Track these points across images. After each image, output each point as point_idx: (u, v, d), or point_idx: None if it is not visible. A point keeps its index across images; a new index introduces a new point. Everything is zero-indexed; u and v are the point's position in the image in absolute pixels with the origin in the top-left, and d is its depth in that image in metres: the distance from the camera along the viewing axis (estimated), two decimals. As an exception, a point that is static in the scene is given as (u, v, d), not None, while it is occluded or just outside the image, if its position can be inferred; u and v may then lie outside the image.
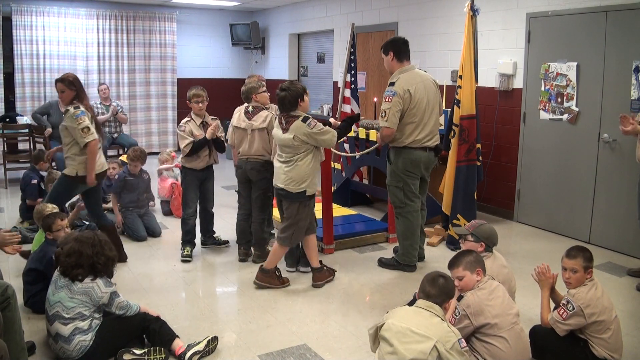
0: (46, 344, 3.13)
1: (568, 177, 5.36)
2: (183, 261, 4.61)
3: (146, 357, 2.93)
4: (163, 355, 2.97)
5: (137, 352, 2.94)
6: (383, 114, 4.10)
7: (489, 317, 2.69)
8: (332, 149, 4.91)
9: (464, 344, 2.42)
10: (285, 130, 3.79)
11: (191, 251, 4.69)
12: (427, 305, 2.50)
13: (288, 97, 3.78)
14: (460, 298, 2.79)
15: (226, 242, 5.01)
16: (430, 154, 4.33)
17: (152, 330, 3.05)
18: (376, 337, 2.57)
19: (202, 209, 4.86)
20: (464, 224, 4.90)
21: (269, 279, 4.05)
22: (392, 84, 4.14)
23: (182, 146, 4.52)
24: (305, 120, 3.76)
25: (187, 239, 4.71)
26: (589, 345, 2.78)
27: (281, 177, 3.87)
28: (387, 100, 4.10)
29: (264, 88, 4.59)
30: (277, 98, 3.87)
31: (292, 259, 4.41)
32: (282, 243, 4.01)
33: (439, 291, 2.52)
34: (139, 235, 5.18)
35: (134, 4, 9.62)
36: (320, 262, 4.16)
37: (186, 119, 4.65)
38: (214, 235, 5.01)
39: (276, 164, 3.95)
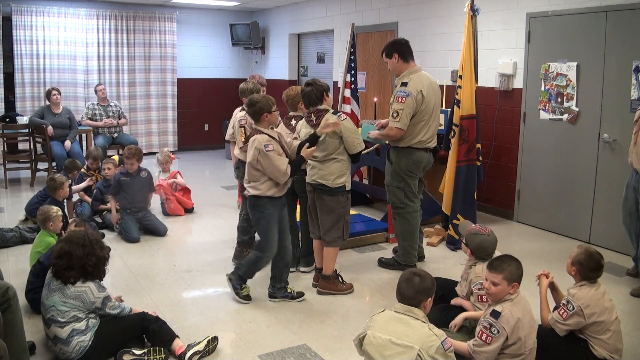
0: (46, 344, 3.13)
1: (568, 177, 5.36)
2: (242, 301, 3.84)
3: (146, 358, 2.93)
4: (163, 356, 2.97)
5: (137, 352, 2.94)
6: (395, 114, 4.05)
7: (521, 338, 2.62)
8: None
9: (448, 344, 2.35)
10: (316, 126, 3.78)
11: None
12: (405, 310, 2.42)
13: (314, 92, 3.81)
14: (495, 314, 2.62)
15: (301, 294, 3.90)
16: (430, 155, 4.35)
17: (152, 331, 3.05)
18: (361, 348, 2.50)
19: (281, 247, 3.80)
20: (463, 222, 4.90)
21: (332, 286, 3.97)
22: (405, 84, 4.11)
23: (283, 168, 3.53)
24: (335, 113, 3.80)
25: (249, 277, 3.84)
26: (589, 346, 2.79)
27: (319, 173, 3.83)
28: (400, 100, 4.05)
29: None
30: (302, 95, 3.90)
31: (293, 259, 4.41)
32: (335, 244, 3.92)
33: (414, 292, 2.42)
34: (130, 236, 5.12)
35: (134, 4, 9.62)
36: (339, 275, 4.07)
37: (266, 137, 3.58)
38: (286, 287, 3.88)
39: (311, 163, 3.89)
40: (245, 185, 3.71)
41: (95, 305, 2.91)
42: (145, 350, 2.97)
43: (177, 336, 3.09)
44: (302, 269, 4.40)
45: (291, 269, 4.38)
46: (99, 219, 5.58)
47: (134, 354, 2.93)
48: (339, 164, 3.82)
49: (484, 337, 2.60)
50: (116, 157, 6.30)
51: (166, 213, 6.03)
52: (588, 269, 2.84)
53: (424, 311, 2.44)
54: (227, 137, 4.89)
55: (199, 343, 3.06)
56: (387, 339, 2.35)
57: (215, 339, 3.14)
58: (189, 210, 6.18)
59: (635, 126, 4.08)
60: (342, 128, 3.76)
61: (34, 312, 3.49)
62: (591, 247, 2.97)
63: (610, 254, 4.87)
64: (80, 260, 2.84)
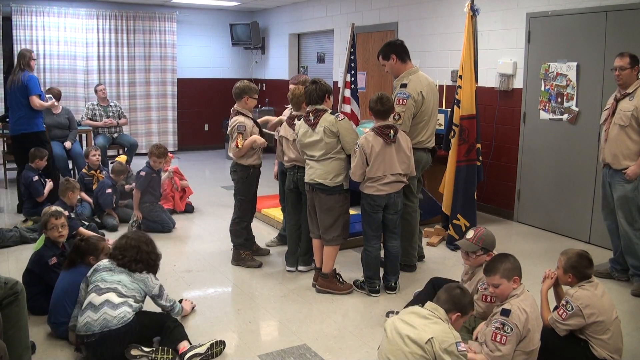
0: (46, 344, 3.14)
1: (568, 177, 5.36)
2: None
3: (154, 356, 2.95)
4: (170, 356, 2.98)
5: (146, 349, 2.97)
6: (397, 117, 4.04)
7: (531, 331, 2.64)
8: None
9: (462, 347, 2.38)
10: (314, 125, 3.81)
11: None
12: (431, 307, 2.50)
13: (316, 91, 3.86)
14: (505, 312, 2.64)
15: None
16: (428, 155, 4.35)
17: (167, 327, 3.10)
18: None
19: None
20: (465, 225, 4.90)
21: (330, 284, 3.98)
22: (405, 85, 4.11)
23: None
24: (333, 113, 3.85)
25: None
26: (589, 346, 2.78)
27: (317, 172, 3.85)
28: (401, 102, 4.05)
29: (257, 94, 4.43)
30: (304, 91, 3.94)
31: (293, 258, 4.41)
32: (335, 243, 3.93)
33: (447, 297, 2.52)
34: (169, 226, 5.46)
35: (134, 4, 9.61)
36: (338, 273, 4.07)
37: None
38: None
39: (309, 163, 3.92)
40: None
41: (153, 292, 3.16)
42: (154, 348, 2.99)
43: (187, 339, 3.10)
44: (301, 268, 4.40)
45: (291, 269, 4.40)
46: (97, 220, 5.58)
47: (142, 350, 2.96)
48: (336, 163, 3.83)
49: (498, 338, 2.59)
50: (124, 157, 6.33)
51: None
52: (583, 268, 2.86)
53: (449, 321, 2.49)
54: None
55: (202, 345, 3.06)
56: (406, 321, 2.45)
57: (220, 343, 3.11)
58: (189, 210, 6.18)
59: (605, 125, 4.15)
60: (340, 128, 3.78)
61: (34, 314, 3.47)
62: (573, 248, 3.00)
63: (610, 254, 4.85)
64: (147, 255, 3.18)
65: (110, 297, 2.99)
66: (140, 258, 3.15)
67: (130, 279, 3.10)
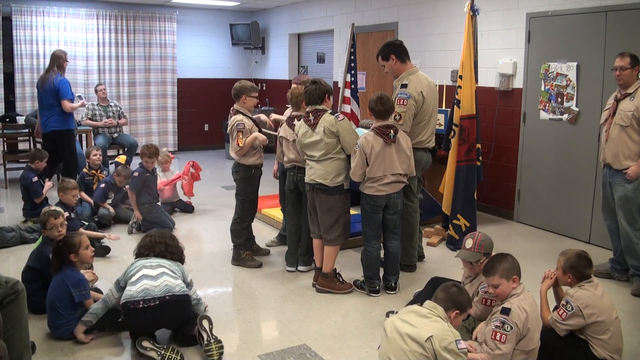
0: (46, 344, 3.15)
1: (568, 177, 5.36)
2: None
3: (162, 352, 2.97)
4: (178, 357, 2.99)
5: (157, 344, 3.01)
6: (398, 117, 4.03)
7: (530, 330, 2.64)
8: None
9: (462, 345, 2.39)
10: (314, 125, 3.82)
11: None
12: (430, 306, 2.52)
13: (316, 91, 3.87)
14: (505, 311, 2.64)
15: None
16: (429, 155, 4.36)
17: (191, 316, 3.18)
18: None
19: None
20: (465, 225, 4.90)
21: (330, 284, 3.98)
22: (405, 85, 4.12)
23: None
24: (332, 114, 3.85)
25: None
26: (589, 346, 2.78)
27: (317, 172, 3.85)
28: (402, 103, 4.05)
29: (255, 93, 4.43)
30: (304, 91, 3.95)
31: (293, 258, 4.41)
32: (336, 243, 3.93)
33: (445, 296, 2.53)
34: (168, 227, 5.38)
35: (134, 4, 9.62)
36: (338, 273, 4.07)
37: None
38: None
39: (309, 163, 3.93)
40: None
41: (187, 280, 3.26)
42: (165, 345, 3.02)
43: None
44: (300, 268, 4.40)
45: (291, 269, 4.41)
46: (97, 219, 5.58)
47: (153, 344, 2.99)
48: (336, 163, 3.83)
49: (498, 337, 2.59)
50: (123, 157, 6.35)
51: (169, 212, 5.99)
52: (582, 268, 2.86)
53: (449, 319, 2.50)
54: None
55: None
56: (405, 320, 2.46)
57: (220, 344, 3.07)
58: (189, 210, 6.19)
59: (605, 125, 4.16)
60: (339, 128, 3.79)
61: (33, 313, 3.48)
62: (572, 248, 3.01)
63: (610, 254, 4.86)
64: (177, 249, 3.37)
65: (166, 271, 3.15)
66: (172, 250, 3.33)
67: (171, 262, 3.26)
